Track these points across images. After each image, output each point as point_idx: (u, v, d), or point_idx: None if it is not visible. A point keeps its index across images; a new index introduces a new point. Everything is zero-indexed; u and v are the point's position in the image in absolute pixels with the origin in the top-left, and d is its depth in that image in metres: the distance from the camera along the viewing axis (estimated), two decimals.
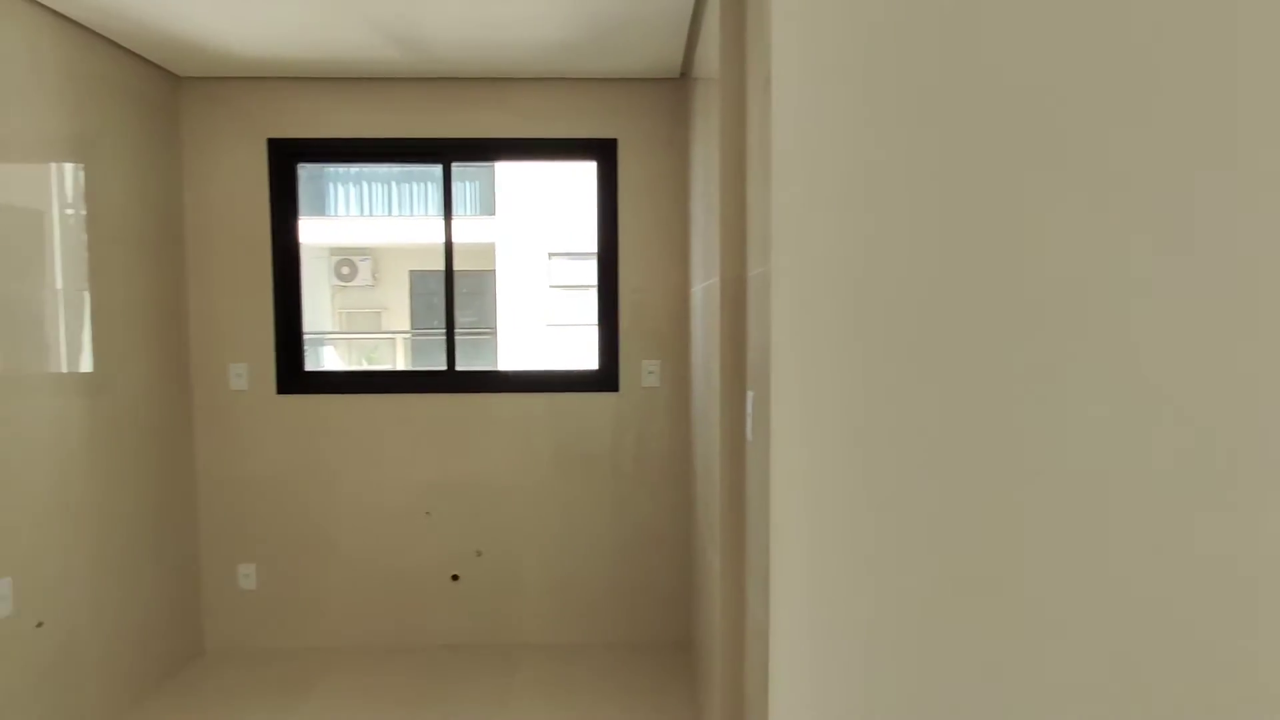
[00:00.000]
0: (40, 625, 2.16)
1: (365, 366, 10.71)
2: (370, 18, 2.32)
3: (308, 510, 2.95)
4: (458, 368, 3.01)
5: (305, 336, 2.98)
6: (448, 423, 2.96)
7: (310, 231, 11.05)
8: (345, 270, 11.11)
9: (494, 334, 10.27)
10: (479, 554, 2.99)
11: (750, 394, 1.58)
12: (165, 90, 2.76)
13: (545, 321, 10.05)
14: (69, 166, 2.31)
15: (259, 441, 2.93)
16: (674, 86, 2.91)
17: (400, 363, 10.88)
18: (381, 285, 11.21)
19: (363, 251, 11.09)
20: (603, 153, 2.94)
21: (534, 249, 9.90)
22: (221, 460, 2.93)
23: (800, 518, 1.19)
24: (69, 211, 2.31)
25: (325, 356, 10.72)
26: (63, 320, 2.29)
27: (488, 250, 9.67)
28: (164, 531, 2.74)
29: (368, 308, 11.39)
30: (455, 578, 2.99)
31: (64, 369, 2.29)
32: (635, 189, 2.94)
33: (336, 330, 11.16)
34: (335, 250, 10.90)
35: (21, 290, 2.13)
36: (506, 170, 9.58)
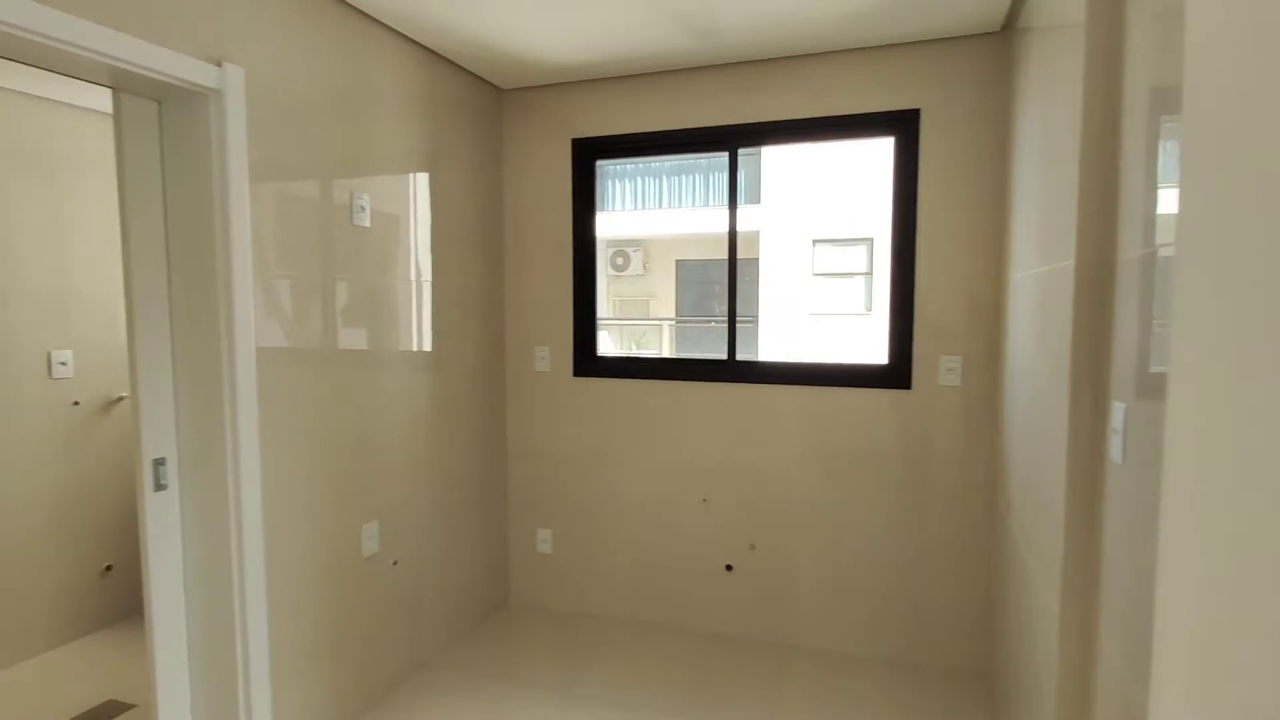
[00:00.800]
0: (396, 564, 2.58)
1: (635, 351, 11.40)
2: (673, 12, 2.34)
3: (595, 485, 3.16)
4: (738, 357, 2.97)
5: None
6: (726, 411, 2.95)
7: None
8: (619, 261, 11.91)
9: (755, 323, 10.24)
10: (752, 547, 2.94)
11: (1120, 407, 1.28)
12: (491, 101, 3.10)
13: (807, 310, 9.76)
14: (422, 176, 2.70)
15: (557, 419, 3.20)
16: (992, 44, 2.54)
17: (665, 347, 11.38)
18: (650, 274, 11.81)
19: (634, 243, 11.78)
20: (902, 126, 2.67)
21: (797, 236, 9.65)
22: (526, 434, 3.26)
23: (1211, 571, 0.91)
24: (420, 215, 2.71)
25: (601, 341, 11.62)
26: (414, 307, 2.69)
27: (751, 238, 9.64)
28: (483, 494, 3.12)
29: (638, 295, 12.10)
30: (729, 568, 2.99)
31: (414, 348, 2.69)
32: (938, 164, 2.63)
33: (611, 316, 12.03)
34: (610, 242, 11.73)
35: (386, 282, 2.54)
36: (773, 156, 9.44)
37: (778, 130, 2.84)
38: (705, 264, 11.45)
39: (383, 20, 2.42)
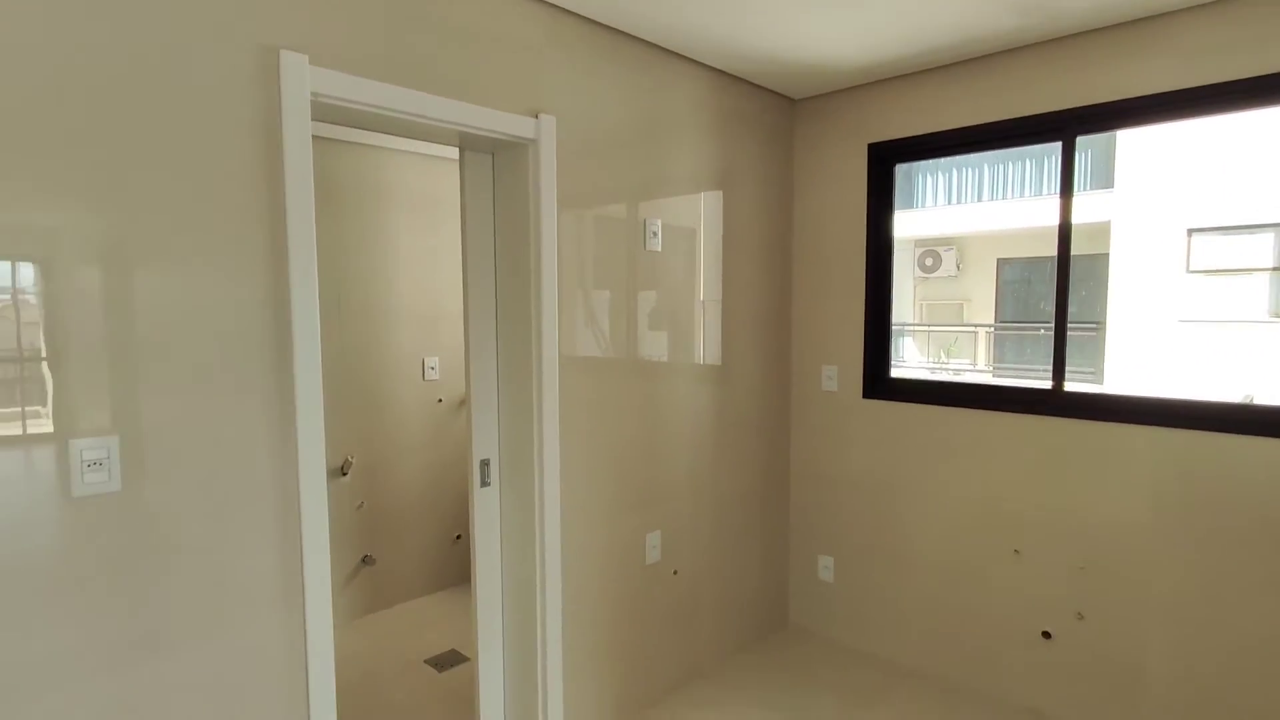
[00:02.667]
0: (676, 573, 2.68)
1: (944, 360, 10.38)
2: None
3: (884, 517, 2.92)
4: (1066, 387, 2.49)
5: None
6: (1047, 451, 2.49)
7: (897, 225, 11.30)
8: (928, 262, 10.95)
9: (1100, 331, 8.59)
10: (1080, 617, 2.44)
11: None
12: (782, 114, 3.05)
13: (1176, 316, 7.88)
14: (713, 195, 2.76)
15: (843, 442, 3.03)
16: None
17: (980, 358, 10.16)
18: (964, 276, 10.65)
19: (947, 241, 10.71)
20: None
21: (1165, 225, 7.84)
22: (811, 456, 3.14)
23: None
24: (710, 233, 2.77)
25: (905, 348, 10.80)
26: (700, 324, 2.76)
27: (1100, 231, 8.10)
28: (763, 513, 3.09)
29: (949, 299, 10.99)
30: (1047, 635, 2.52)
31: (700, 363, 2.76)
32: None
33: (917, 322, 11.12)
34: (920, 242, 10.82)
35: (674, 300, 2.64)
36: (1130, 133, 7.80)
37: (1133, 110, 2.30)
38: (1034, 262, 9.94)
39: (676, 50, 2.52)
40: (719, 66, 2.68)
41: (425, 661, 2.96)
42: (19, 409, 1.32)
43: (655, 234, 2.53)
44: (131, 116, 1.40)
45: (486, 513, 2.32)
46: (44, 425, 1.34)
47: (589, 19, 2.24)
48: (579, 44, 2.22)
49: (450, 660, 2.97)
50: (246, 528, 1.58)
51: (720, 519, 2.88)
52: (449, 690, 2.73)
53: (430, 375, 3.58)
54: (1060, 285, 2.51)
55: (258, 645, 1.61)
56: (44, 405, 1.34)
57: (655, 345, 2.57)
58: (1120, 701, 2.38)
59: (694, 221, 2.70)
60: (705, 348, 2.78)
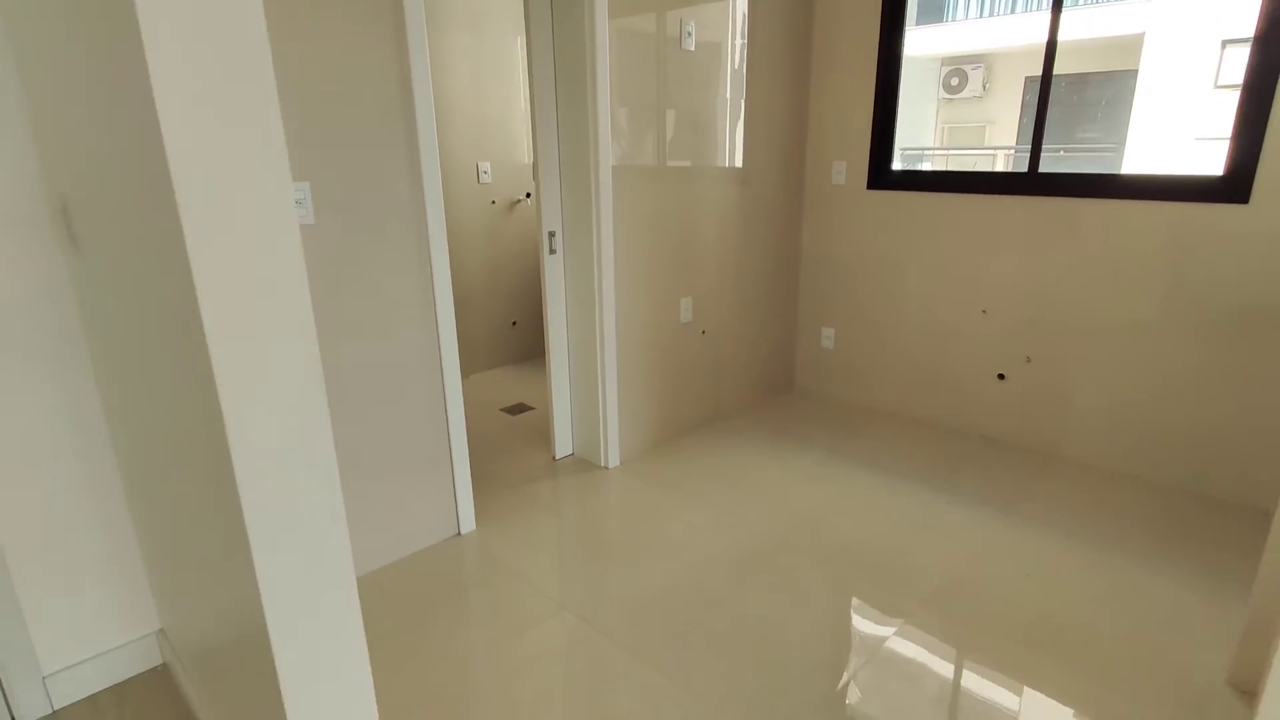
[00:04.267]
0: (704, 333, 3.30)
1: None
2: None
3: (878, 291, 3.47)
4: (1040, 169, 2.92)
5: (904, 151, 3.31)
6: (1020, 225, 2.97)
7: (922, 41, 10.90)
8: (954, 81, 10.71)
9: (1119, 150, 8.66)
10: (1028, 360, 3.05)
11: None
12: None
13: (1193, 135, 7.93)
14: (742, 1, 3.04)
15: (847, 228, 3.52)
16: None
17: None
18: (991, 96, 10.47)
19: (976, 59, 10.42)
20: None
21: (1198, 38, 7.67)
22: (818, 241, 3.65)
23: None
24: (738, 40, 3.08)
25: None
26: (726, 126, 3.15)
27: (1130, 44, 7.94)
28: (776, 291, 3.65)
29: (973, 121, 10.88)
30: (1001, 377, 3.15)
31: (725, 164, 3.19)
32: None
33: (937, 146, 11.09)
34: (947, 60, 10.53)
35: (706, 102, 3.02)
36: None
37: None
38: (1063, 81, 9.75)
39: None
40: None
41: (500, 410, 3.69)
42: None
43: (690, 35, 2.86)
44: None
45: (554, 276, 2.89)
46: None
47: None
48: None
49: (519, 409, 3.70)
50: (400, 256, 2.15)
51: (740, 293, 3.45)
52: (523, 427, 3.47)
53: (484, 179, 4.04)
54: (1045, 70, 2.86)
55: (414, 345, 2.24)
56: None
57: (689, 144, 2.99)
58: (1051, 419, 3.05)
59: (724, 28, 3.01)
60: (731, 148, 3.20)
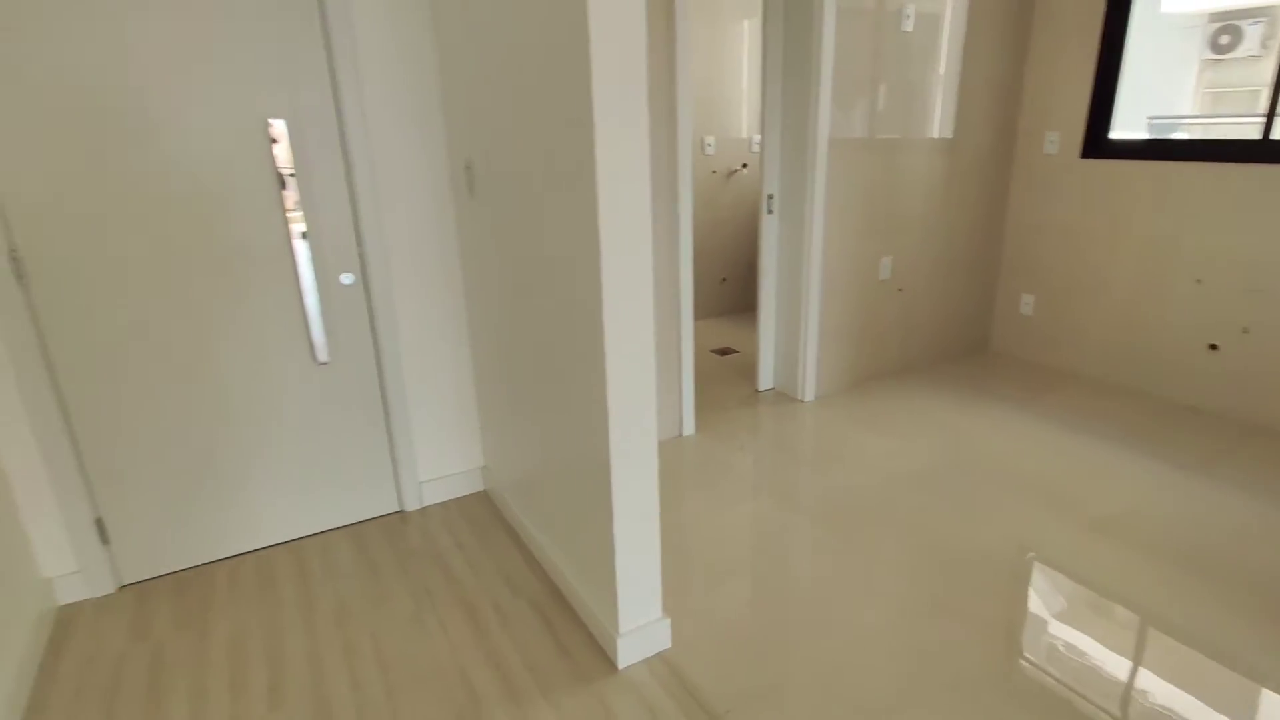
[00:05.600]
0: (900, 290, 3.62)
1: None
2: None
3: (1083, 259, 3.55)
4: (1273, 135, 2.87)
5: (1153, 121, 3.34)
6: (1250, 195, 2.94)
7: None
8: (1224, 40, 9.42)
9: None
10: (1245, 330, 3.02)
11: None
12: None
13: None
14: None
15: (1055, 197, 3.61)
16: None
17: None
18: (1269, 57, 9.09)
19: (1256, 12, 9.07)
20: None
21: None
22: (1025, 210, 3.77)
23: None
24: (955, 17, 3.32)
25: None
26: (939, 99, 3.41)
27: None
28: (977, 256, 3.84)
29: (1243, 85, 9.51)
30: (1214, 347, 3.14)
31: (934, 135, 3.46)
32: None
33: (1195, 114, 9.85)
34: (1216, 15, 9.27)
35: (919, 78, 3.31)
36: None
37: None
38: None
39: None
40: None
41: (710, 351, 4.28)
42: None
43: (909, 16, 3.17)
44: None
45: (769, 233, 3.38)
46: None
47: None
48: None
49: (726, 351, 4.26)
50: (658, 213, 2.77)
51: (939, 256, 3.70)
52: (729, 366, 4.03)
53: (708, 150, 4.60)
54: None
55: (664, 289, 2.86)
56: None
57: (899, 118, 3.31)
58: (1265, 391, 3.00)
59: (943, 4, 3.26)
60: (940, 120, 3.45)
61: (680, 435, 3.11)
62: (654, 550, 1.74)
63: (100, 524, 2.12)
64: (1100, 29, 3.30)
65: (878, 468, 2.78)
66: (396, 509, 2.58)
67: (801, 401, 3.45)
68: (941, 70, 3.37)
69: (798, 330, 3.40)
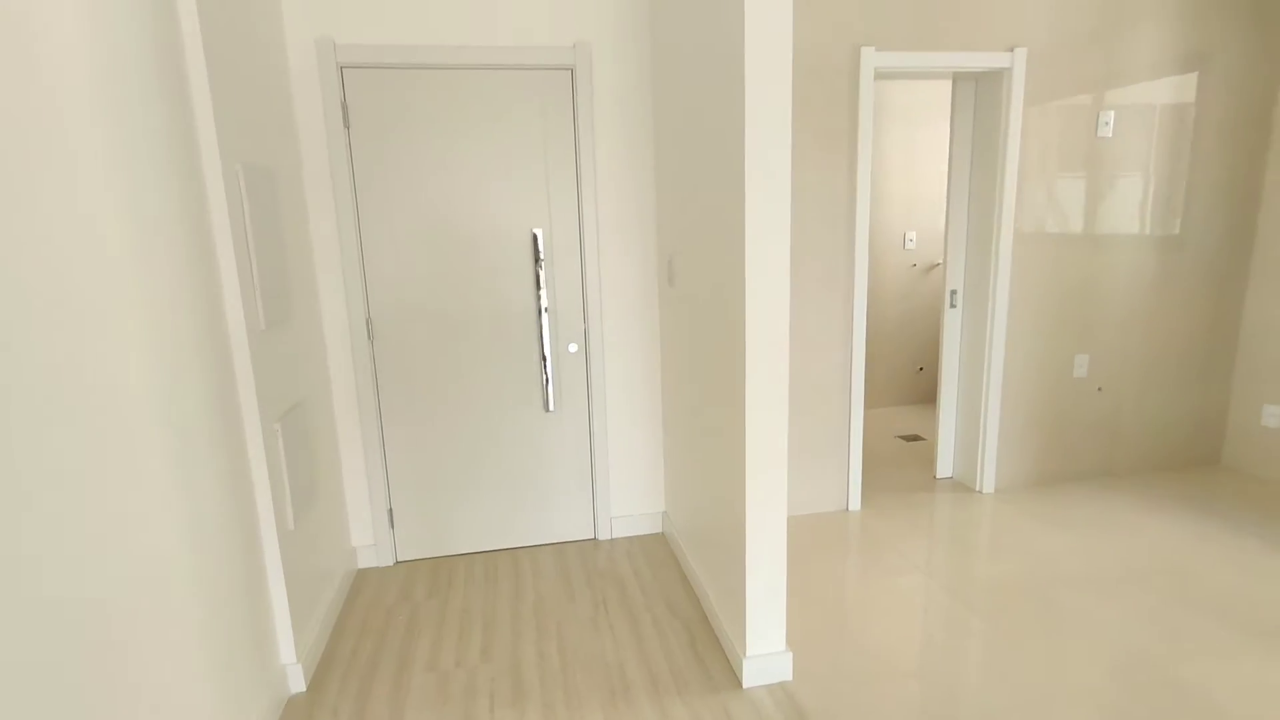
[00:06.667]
0: (1099, 390, 3.50)
1: None
2: None
3: None
4: None
5: None
6: None
7: None
8: None
9: None
10: None
11: None
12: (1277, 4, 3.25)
13: None
14: (1177, 78, 3.26)
15: None
16: None
17: None
18: None
19: None
20: None
21: None
22: (1266, 312, 3.46)
23: None
24: (1170, 113, 3.29)
25: None
26: (1166, 195, 3.35)
27: None
28: (1203, 358, 3.58)
29: None
30: None
31: (1150, 233, 3.39)
32: None
33: None
34: None
35: (1126, 180, 3.30)
36: None
37: None
38: None
39: None
40: None
41: (897, 437, 4.40)
42: None
43: (1107, 123, 3.24)
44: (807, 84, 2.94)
45: (951, 327, 3.53)
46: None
47: None
48: None
49: (913, 439, 4.34)
50: (834, 303, 3.13)
51: (1154, 357, 3.52)
52: (913, 452, 4.12)
53: (909, 245, 4.82)
54: None
55: (834, 367, 3.19)
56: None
57: (1097, 217, 3.32)
58: None
59: (1150, 107, 3.27)
60: (1154, 217, 3.38)
61: (846, 509, 3.33)
62: (780, 588, 2.07)
63: (390, 513, 2.95)
64: None
65: (1042, 563, 2.76)
66: (591, 536, 3.15)
67: (978, 492, 3.47)
68: (1151, 169, 3.33)
69: (977, 422, 3.46)
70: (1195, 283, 3.47)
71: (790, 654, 2.12)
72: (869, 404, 5.02)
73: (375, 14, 2.56)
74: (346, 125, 2.63)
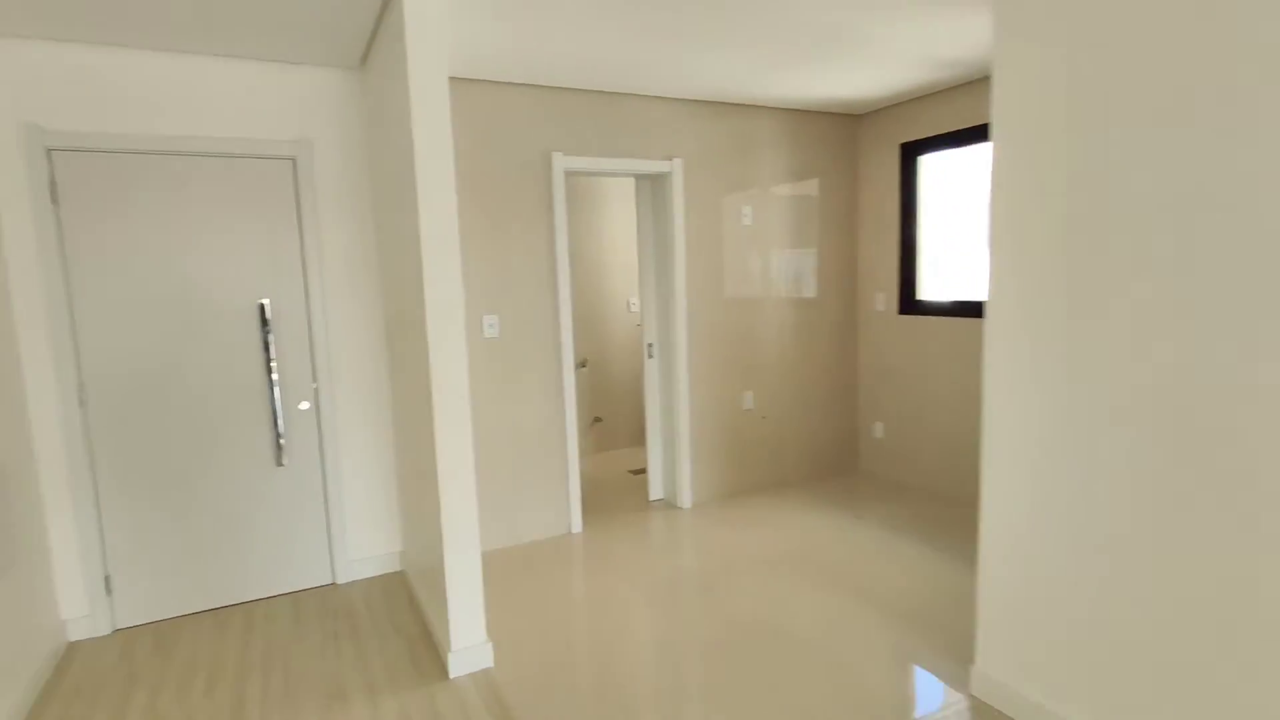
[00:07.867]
0: (764, 418, 4.46)
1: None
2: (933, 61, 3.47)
3: (913, 395, 4.40)
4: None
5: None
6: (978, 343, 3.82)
7: None
8: None
9: None
10: None
11: None
12: (846, 128, 4.56)
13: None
14: (788, 185, 4.41)
15: (888, 344, 4.53)
16: None
17: None
18: None
19: None
20: None
21: None
22: (869, 353, 4.68)
23: None
24: (786, 212, 4.42)
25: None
26: (799, 267, 4.44)
27: None
28: (835, 392, 4.71)
29: None
30: None
31: (801, 295, 4.46)
32: None
33: None
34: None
35: (762, 256, 4.35)
36: None
37: None
38: None
39: (763, 104, 4.20)
40: (795, 106, 4.31)
41: (628, 471, 5.09)
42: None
43: (747, 214, 4.27)
44: (503, 183, 3.56)
45: (651, 374, 4.31)
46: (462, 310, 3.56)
47: (707, 100, 4.04)
48: (699, 112, 4.05)
49: (640, 471, 5.07)
50: (544, 358, 3.72)
51: (801, 390, 4.58)
52: (637, 483, 4.82)
53: (632, 308, 5.67)
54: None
55: (549, 411, 3.76)
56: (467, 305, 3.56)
57: (746, 285, 4.33)
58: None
59: (775, 206, 4.38)
60: (789, 282, 4.47)
61: (570, 532, 3.87)
62: (476, 583, 2.50)
63: (108, 580, 2.93)
64: (899, 218, 4.37)
65: (721, 554, 3.50)
66: (330, 581, 3.35)
67: (680, 508, 4.21)
68: (786, 248, 4.43)
69: (675, 451, 4.23)
70: (827, 332, 4.61)
71: (490, 644, 2.56)
72: (608, 446, 5.71)
73: (91, 104, 2.75)
74: (55, 201, 2.75)
